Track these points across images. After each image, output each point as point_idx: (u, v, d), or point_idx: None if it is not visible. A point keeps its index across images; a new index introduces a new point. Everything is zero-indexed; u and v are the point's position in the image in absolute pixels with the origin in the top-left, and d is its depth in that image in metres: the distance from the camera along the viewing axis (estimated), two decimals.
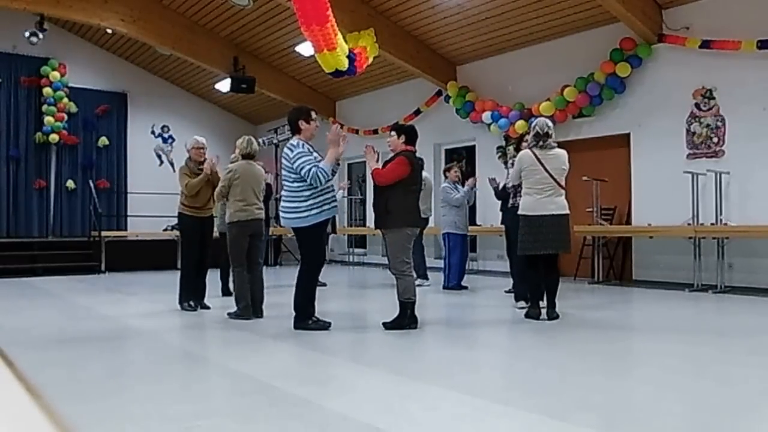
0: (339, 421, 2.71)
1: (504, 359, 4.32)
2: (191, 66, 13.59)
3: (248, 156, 6.05)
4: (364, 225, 13.27)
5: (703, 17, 8.00)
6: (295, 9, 6.76)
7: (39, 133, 13.43)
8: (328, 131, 5.19)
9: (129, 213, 14.09)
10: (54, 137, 13.43)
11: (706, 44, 7.81)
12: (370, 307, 7.25)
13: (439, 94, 11.50)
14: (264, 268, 6.50)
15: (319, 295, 5.26)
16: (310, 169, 4.85)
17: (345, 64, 8.01)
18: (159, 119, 15.23)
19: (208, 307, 6.37)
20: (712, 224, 7.62)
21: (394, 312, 5.09)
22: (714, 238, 7.62)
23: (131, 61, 14.67)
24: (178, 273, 6.57)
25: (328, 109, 13.90)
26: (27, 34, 11.16)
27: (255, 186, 5.95)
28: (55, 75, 13.44)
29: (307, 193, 4.92)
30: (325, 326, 5.03)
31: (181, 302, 6.31)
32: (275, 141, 13.84)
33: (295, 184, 4.95)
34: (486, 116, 10.28)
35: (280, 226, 9.84)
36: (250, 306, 5.70)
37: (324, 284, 7.85)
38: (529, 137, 5.70)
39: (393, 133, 5.26)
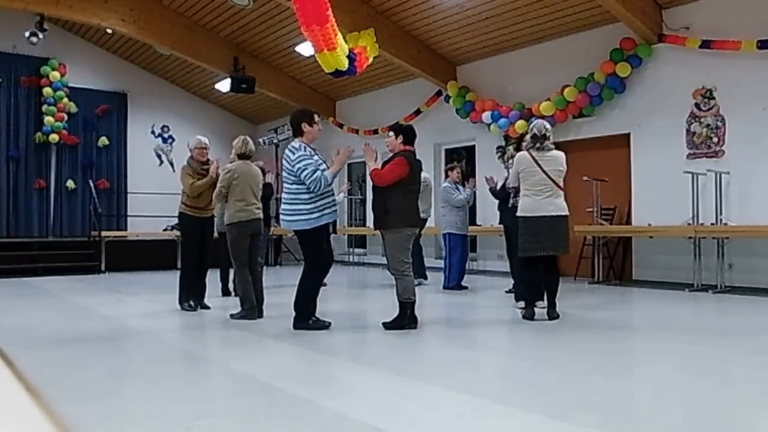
0: (339, 421, 2.71)
1: (504, 359, 4.32)
2: (191, 66, 13.59)
3: (244, 156, 6.07)
4: (364, 225, 13.26)
5: (703, 17, 8.00)
6: (295, 9, 6.76)
7: (39, 133, 13.43)
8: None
9: (129, 213, 14.09)
10: (54, 137, 13.44)
11: (706, 44, 7.81)
12: (370, 307, 7.25)
13: (439, 94, 11.49)
14: (264, 268, 6.50)
15: (320, 295, 5.26)
16: (312, 173, 4.84)
17: (345, 64, 8.01)
18: (159, 119, 15.23)
19: (208, 307, 6.38)
20: (712, 224, 7.62)
21: (393, 312, 5.09)
22: (714, 238, 7.62)
23: (131, 61, 14.67)
24: (178, 273, 6.57)
25: (328, 109, 13.89)
26: (27, 34, 11.16)
27: (253, 185, 5.98)
28: (55, 75, 13.44)
29: (308, 196, 4.92)
30: (324, 326, 5.04)
31: (181, 302, 6.32)
32: (275, 141, 13.82)
33: (295, 186, 4.95)
34: (486, 116, 10.27)
35: (281, 226, 9.82)
36: (255, 307, 5.71)
37: (324, 284, 7.82)
38: (526, 138, 5.71)
39: (391, 133, 5.27)
